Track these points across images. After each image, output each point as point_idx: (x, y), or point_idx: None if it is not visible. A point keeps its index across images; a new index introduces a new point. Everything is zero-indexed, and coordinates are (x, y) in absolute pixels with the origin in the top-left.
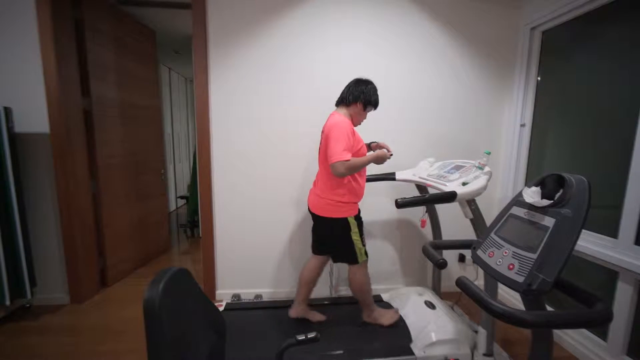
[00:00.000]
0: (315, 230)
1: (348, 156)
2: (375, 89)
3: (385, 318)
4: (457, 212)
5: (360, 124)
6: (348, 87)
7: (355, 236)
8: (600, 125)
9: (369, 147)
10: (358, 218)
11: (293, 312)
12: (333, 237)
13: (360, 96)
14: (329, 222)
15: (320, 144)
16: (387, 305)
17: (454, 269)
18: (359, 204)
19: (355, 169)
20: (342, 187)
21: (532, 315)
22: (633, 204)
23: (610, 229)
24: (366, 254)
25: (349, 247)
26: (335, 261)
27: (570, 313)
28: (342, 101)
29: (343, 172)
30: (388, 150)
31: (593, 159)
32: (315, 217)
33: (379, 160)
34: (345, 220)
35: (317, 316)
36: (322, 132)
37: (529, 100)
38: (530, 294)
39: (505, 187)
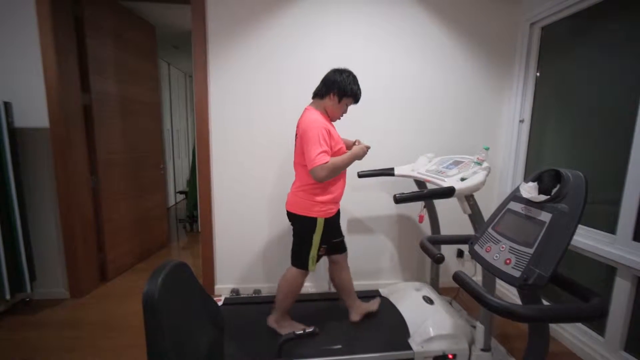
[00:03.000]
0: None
1: (326, 159)
2: (352, 80)
3: (287, 329)
4: (456, 208)
5: (339, 118)
6: (323, 78)
7: (316, 239)
8: (599, 121)
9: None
10: (329, 223)
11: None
12: (296, 233)
13: (333, 87)
14: (298, 220)
15: (295, 142)
16: (386, 301)
17: (453, 265)
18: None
19: (337, 170)
20: (318, 187)
21: (527, 309)
22: (631, 199)
23: (609, 225)
24: (314, 264)
25: (305, 248)
26: (291, 261)
27: (565, 307)
28: (317, 94)
29: (325, 176)
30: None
31: (592, 154)
32: (288, 216)
33: (359, 156)
34: (313, 221)
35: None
36: (297, 127)
37: (528, 96)
38: (527, 289)
39: (504, 183)
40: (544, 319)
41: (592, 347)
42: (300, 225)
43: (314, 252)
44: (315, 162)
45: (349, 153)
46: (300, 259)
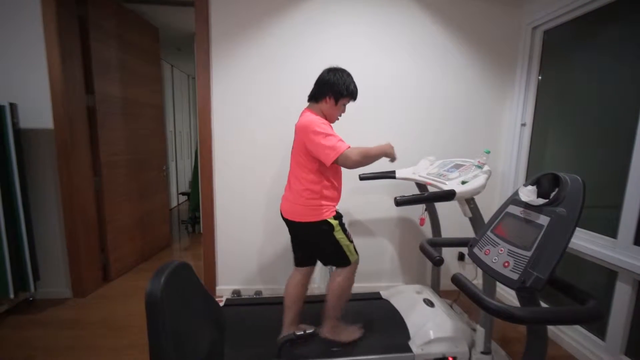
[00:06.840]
0: (295, 240)
1: (347, 144)
2: (346, 78)
3: (345, 335)
4: (458, 211)
5: (337, 119)
6: (317, 80)
7: (339, 234)
8: (601, 124)
9: None
10: (337, 216)
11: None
12: (317, 242)
13: (328, 89)
14: (309, 227)
15: (293, 145)
16: (387, 303)
17: (454, 268)
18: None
19: (369, 158)
20: (315, 192)
21: (524, 311)
22: (632, 203)
23: (610, 229)
24: (356, 251)
25: (337, 249)
26: (325, 264)
27: (560, 310)
28: (312, 97)
29: (357, 161)
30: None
31: (593, 158)
32: (291, 225)
33: (389, 154)
34: (325, 222)
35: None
36: (295, 131)
37: (529, 99)
38: (524, 291)
39: (506, 186)
40: (541, 321)
41: (593, 351)
42: (314, 232)
43: (345, 243)
44: (341, 148)
45: (382, 146)
46: (340, 259)
